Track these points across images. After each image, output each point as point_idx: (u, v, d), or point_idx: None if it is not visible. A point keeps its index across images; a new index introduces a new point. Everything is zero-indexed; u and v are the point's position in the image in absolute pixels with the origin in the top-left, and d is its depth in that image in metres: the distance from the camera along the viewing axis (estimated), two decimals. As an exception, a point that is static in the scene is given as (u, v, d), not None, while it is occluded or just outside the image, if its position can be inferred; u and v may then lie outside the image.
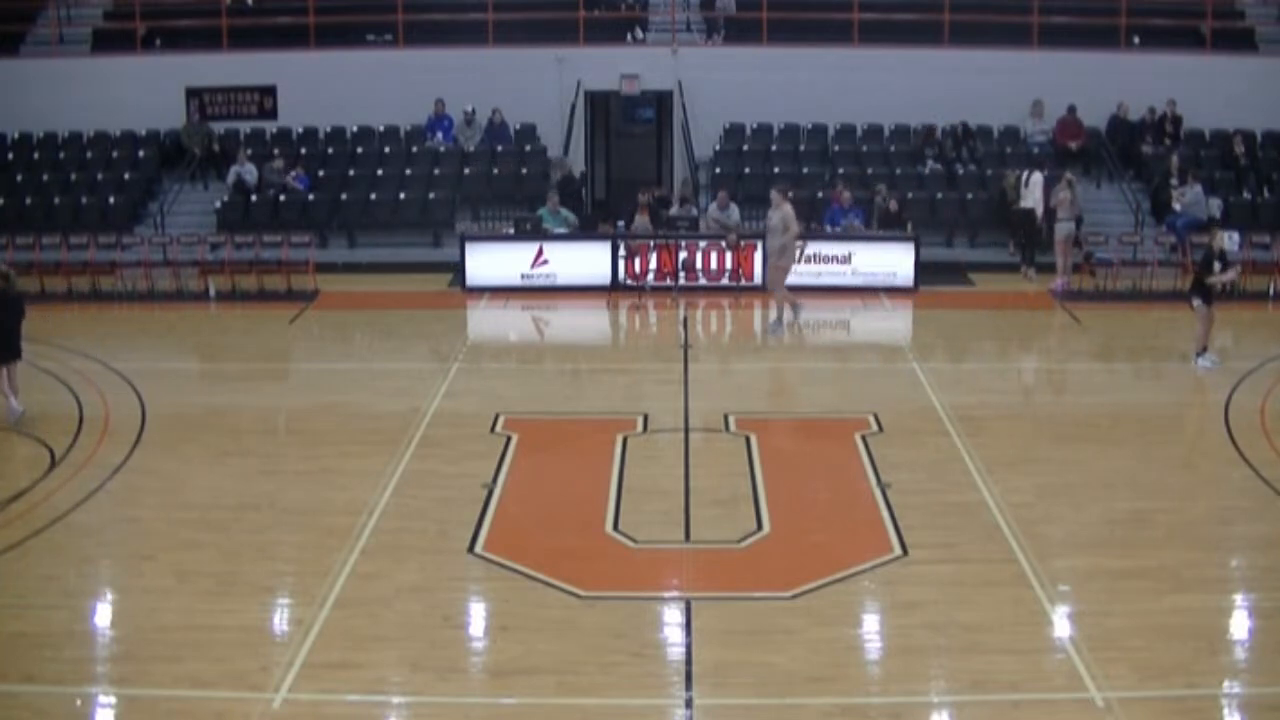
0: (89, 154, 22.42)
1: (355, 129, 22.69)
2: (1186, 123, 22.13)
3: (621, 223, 19.49)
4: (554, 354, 16.80)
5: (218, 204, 20.93)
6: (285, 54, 22.62)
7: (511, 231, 19.46)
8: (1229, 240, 18.94)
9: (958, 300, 18.63)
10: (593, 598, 8.57)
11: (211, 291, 18.83)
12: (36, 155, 22.33)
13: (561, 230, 19.20)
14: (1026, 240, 19.94)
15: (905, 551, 9.30)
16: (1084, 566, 9.03)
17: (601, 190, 24.84)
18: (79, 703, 7.32)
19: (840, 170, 21.47)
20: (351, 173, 21.66)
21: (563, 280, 18.85)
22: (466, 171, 21.64)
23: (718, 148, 22.31)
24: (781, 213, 16.30)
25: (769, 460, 11.31)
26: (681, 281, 18.73)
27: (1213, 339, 14.81)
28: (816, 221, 19.72)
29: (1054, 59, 22.23)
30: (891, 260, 19.02)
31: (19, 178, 21.50)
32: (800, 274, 18.81)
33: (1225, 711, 7.34)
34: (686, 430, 12.27)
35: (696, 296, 18.57)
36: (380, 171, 21.60)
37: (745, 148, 22.26)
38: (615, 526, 9.86)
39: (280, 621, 8.40)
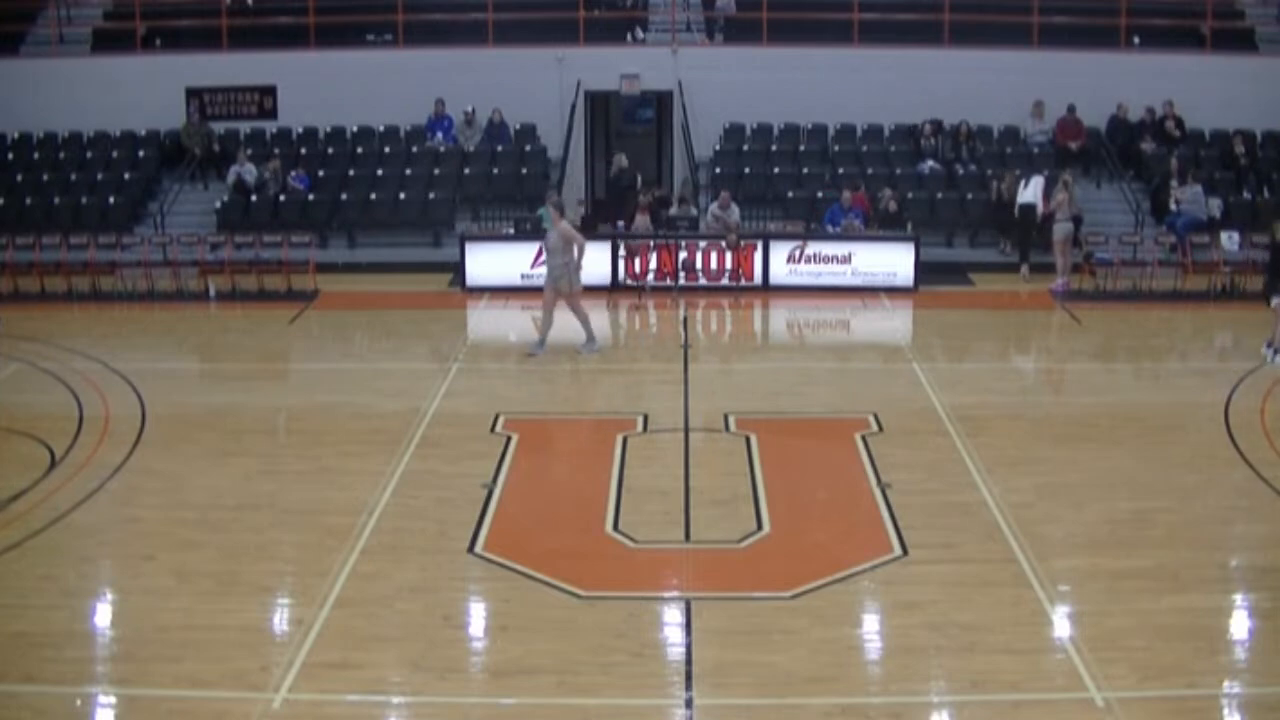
0: (89, 154, 22.43)
1: (355, 129, 22.69)
2: (1186, 123, 22.14)
3: (621, 223, 19.49)
4: (554, 354, 16.78)
5: (218, 204, 20.93)
6: (285, 54, 22.63)
7: (511, 231, 19.46)
8: (1228, 240, 19.04)
9: (958, 300, 18.63)
10: (593, 598, 8.57)
11: (211, 291, 18.83)
12: (36, 155, 22.33)
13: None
14: (1024, 238, 19.94)
15: (905, 551, 9.30)
16: (1084, 566, 9.02)
17: (602, 190, 24.83)
18: (79, 703, 7.32)
19: (840, 170, 21.49)
20: (351, 173, 21.66)
21: (563, 280, 18.82)
22: (466, 171, 21.65)
23: (718, 148, 22.32)
24: (559, 230, 15.00)
25: (769, 460, 11.31)
26: (681, 281, 18.74)
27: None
28: (817, 222, 19.76)
29: (1054, 59, 22.23)
30: (891, 260, 19.02)
31: (19, 178, 21.51)
32: (801, 274, 18.92)
33: (1225, 711, 7.34)
34: (686, 430, 12.27)
35: (696, 296, 18.58)
36: (380, 171, 21.60)
37: (745, 148, 22.26)
38: (615, 526, 9.86)
39: (280, 621, 8.40)
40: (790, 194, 21.03)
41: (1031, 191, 19.68)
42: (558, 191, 20.20)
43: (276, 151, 21.86)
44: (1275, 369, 14.38)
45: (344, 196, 21.15)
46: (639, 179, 21.06)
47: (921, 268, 18.97)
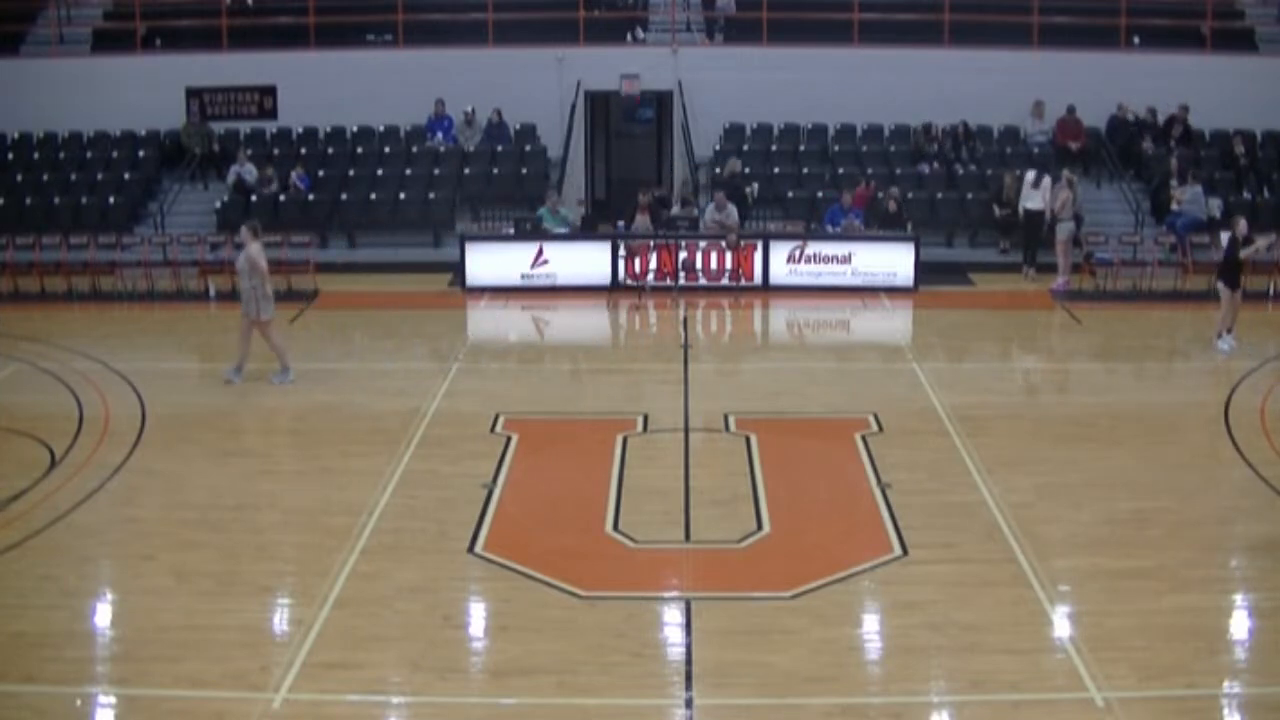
0: (89, 154, 22.43)
1: (355, 129, 22.70)
2: (1187, 123, 22.16)
3: (621, 223, 19.49)
4: (554, 354, 16.80)
5: (218, 204, 20.94)
6: (285, 54, 22.64)
7: (511, 231, 19.46)
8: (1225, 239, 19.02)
9: (958, 300, 18.63)
10: (593, 598, 8.57)
11: (211, 291, 18.83)
12: (36, 155, 22.34)
13: (561, 230, 19.21)
14: (1029, 240, 19.92)
15: (905, 551, 9.30)
16: (1084, 566, 9.03)
17: (601, 190, 24.85)
18: (79, 703, 7.32)
19: (840, 170, 21.49)
20: (351, 173, 21.66)
21: (563, 280, 18.86)
22: (466, 171, 21.65)
23: (718, 148, 22.31)
24: (247, 253, 13.79)
25: (769, 460, 11.31)
26: (681, 281, 18.74)
27: (1237, 323, 15.14)
28: (817, 222, 19.76)
29: (1054, 59, 22.24)
30: (891, 260, 19.02)
31: (19, 178, 21.52)
32: (801, 274, 18.91)
33: (1225, 711, 7.34)
34: (686, 430, 12.27)
35: (696, 296, 18.57)
36: (380, 171, 21.61)
37: (745, 148, 22.26)
38: (615, 526, 9.86)
39: (280, 621, 8.40)
40: (790, 194, 21.03)
41: (1040, 196, 19.59)
42: (557, 190, 20.29)
43: (276, 151, 21.87)
44: (1223, 354, 14.89)
45: (344, 196, 21.15)
46: (755, 187, 20.80)
47: (921, 268, 18.97)
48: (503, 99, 22.22)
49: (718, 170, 21.00)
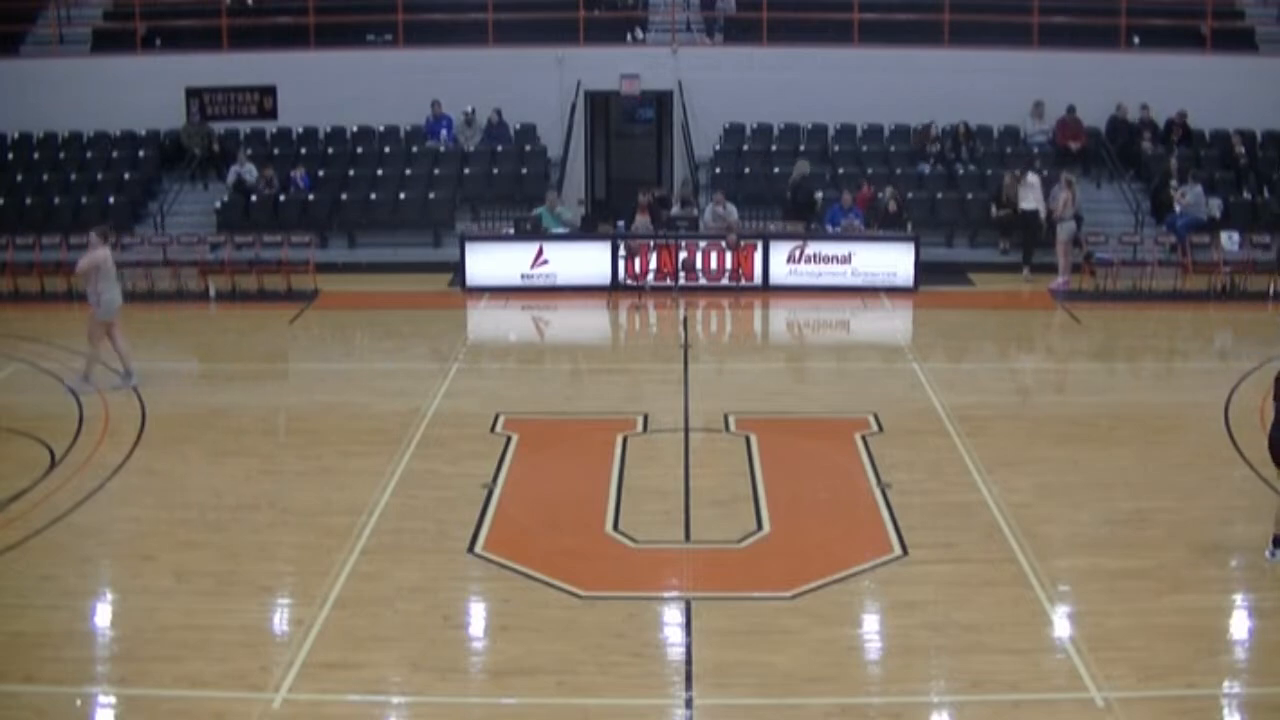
0: (89, 154, 22.42)
1: (355, 129, 22.69)
2: (1186, 123, 22.14)
3: (621, 223, 19.49)
4: (554, 354, 16.80)
5: (218, 204, 20.93)
6: (285, 54, 22.63)
7: (511, 231, 19.46)
8: (1228, 240, 19.06)
9: (958, 300, 18.63)
10: (593, 598, 8.57)
11: (211, 291, 18.83)
12: (36, 155, 22.32)
13: (561, 230, 19.21)
14: (1028, 241, 19.92)
15: (905, 551, 9.30)
16: (1084, 566, 9.02)
17: (601, 190, 24.85)
18: (79, 703, 7.32)
19: (840, 170, 21.49)
20: (351, 173, 21.65)
21: (563, 280, 18.85)
22: (466, 171, 21.65)
23: (718, 148, 22.32)
24: (91, 256, 13.40)
25: (769, 460, 11.31)
26: (681, 281, 18.74)
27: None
28: (817, 222, 19.75)
29: (1054, 59, 22.23)
30: (891, 260, 19.01)
31: (19, 178, 21.50)
32: (801, 274, 18.91)
33: (1225, 711, 7.34)
34: (686, 430, 12.26)
35: (696, 296, 18.57)
36: (380, 171, 21.60)
37: (745, 148, 22.26)
38: (615, 526, 9.86)
39: (280, 621, 8.40)
40: (791, 194, 20.99)
41: (1035, 197, 19.60)
42: (557, 190, 20.29)
43: (276, 151, 21.86)
44: None
45: (344, 196, 21.13)
46: (819, 194, 20.53)
47: (921, 268, 18.96)
48: (503, 99, 22.21)
49: (796, 175, 20.59)
